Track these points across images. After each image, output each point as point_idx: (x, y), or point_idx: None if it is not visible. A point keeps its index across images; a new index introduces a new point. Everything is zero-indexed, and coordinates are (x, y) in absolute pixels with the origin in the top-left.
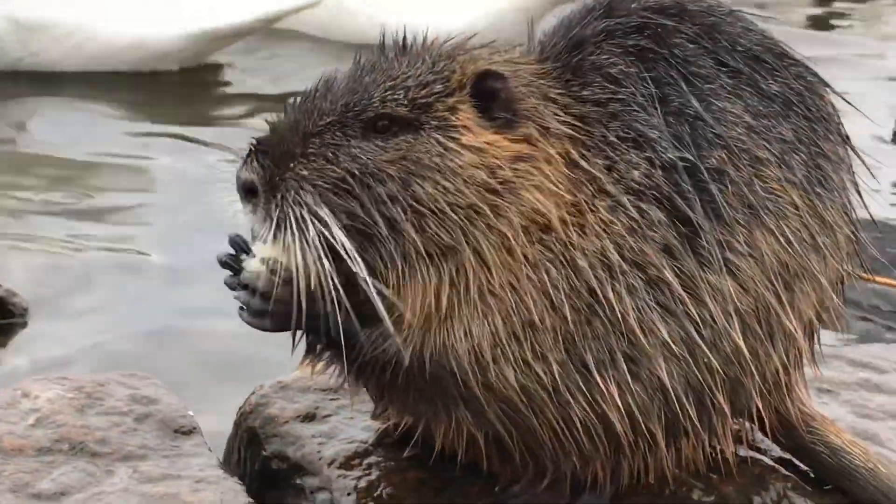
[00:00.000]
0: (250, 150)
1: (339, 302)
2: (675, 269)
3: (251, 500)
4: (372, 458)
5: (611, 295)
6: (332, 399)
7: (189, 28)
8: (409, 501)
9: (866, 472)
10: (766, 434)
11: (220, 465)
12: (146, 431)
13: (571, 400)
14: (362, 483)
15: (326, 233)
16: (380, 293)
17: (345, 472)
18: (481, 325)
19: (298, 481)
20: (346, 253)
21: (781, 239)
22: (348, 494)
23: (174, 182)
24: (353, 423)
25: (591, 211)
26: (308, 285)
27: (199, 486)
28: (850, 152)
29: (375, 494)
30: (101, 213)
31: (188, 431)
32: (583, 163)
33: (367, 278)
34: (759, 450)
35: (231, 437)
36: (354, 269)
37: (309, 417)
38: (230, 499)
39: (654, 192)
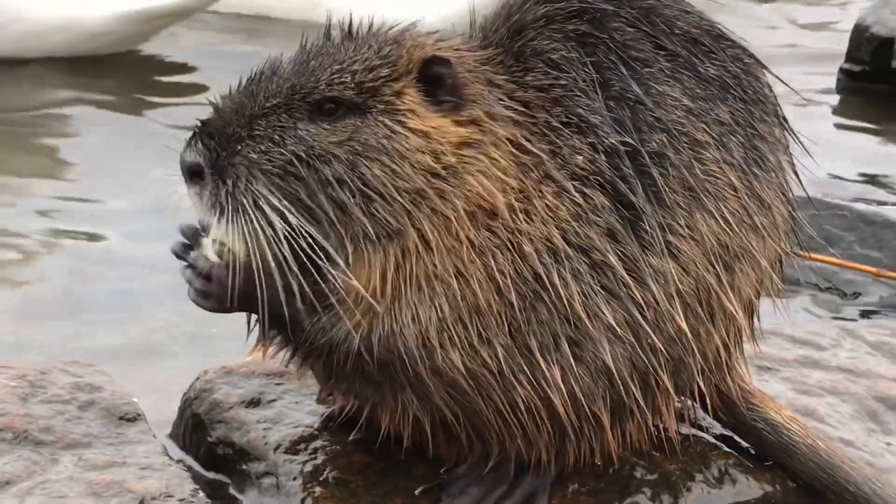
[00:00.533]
0: (194, 131)
1: (287, 287)
2: (619, 252)
3: (197, 486)
4: (318, 443)
5: (556, 280)
6: (277, 384)
7: (122, 8)
8: (355, 484)
9: (805, 448)
10: (707, 412)
11: (165, 451)
12: (90, 419)
13: (517, 383)
14: (308, 467)
15: (283, 222)
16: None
17: (290, 457)
18: (428, 310)
19: (244, 467)
20: (307, 242)
21: (721, 220)
22: (294, 479)
23: (112, 167)
24: (299, 407)
25: (538, 196)
26: (261, 270)
27: (145, 472)
28: (787, 133)
29: (321, 478)
30: (40, 199)
31: (132, 418)
32: (529, 147)
33: (328, 267)
34: (700, 427)
35: (176, 424)
36: (314, 258)
37: (254, 403)
38: (175, 485)
39: (598, 178)
